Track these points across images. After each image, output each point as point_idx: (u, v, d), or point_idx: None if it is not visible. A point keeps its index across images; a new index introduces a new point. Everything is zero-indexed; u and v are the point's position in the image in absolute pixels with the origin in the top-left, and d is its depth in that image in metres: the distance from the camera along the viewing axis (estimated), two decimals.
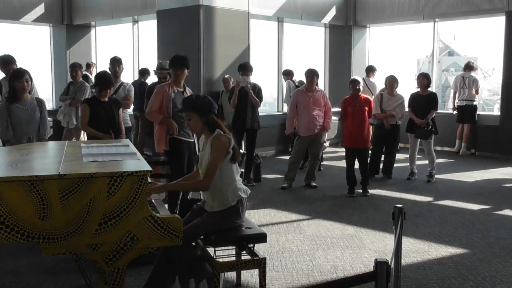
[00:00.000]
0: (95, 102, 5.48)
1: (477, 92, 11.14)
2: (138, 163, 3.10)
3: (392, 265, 2.94)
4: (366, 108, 7.43)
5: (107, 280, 2.88)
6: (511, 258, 4.93)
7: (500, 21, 11.25)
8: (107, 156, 3.30)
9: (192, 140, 5.76)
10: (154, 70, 7.72)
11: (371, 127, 8.16)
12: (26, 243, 2.71)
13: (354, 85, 7.45)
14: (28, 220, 2.67)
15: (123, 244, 2.84)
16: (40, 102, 5.41)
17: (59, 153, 3.51)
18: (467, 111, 11.02)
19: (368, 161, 7.76)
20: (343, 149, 12.28)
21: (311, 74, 7.87)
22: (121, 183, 2.78)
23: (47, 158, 3.45)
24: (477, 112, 11.42)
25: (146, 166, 2.96)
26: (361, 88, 7.53)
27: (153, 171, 2.93)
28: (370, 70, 11.34)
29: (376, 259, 2.68)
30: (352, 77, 7.67)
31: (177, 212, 4.37)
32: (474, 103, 11.07)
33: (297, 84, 10.75)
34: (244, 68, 8.27)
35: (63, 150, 3.61)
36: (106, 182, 2.76)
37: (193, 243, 3.82)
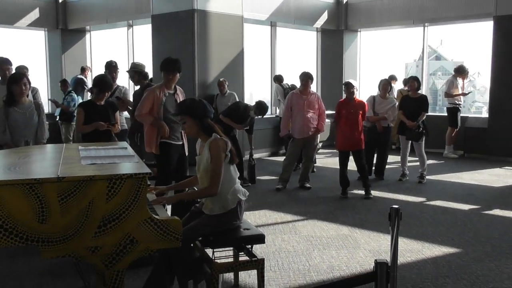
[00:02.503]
0: (90, 106, 5.40)
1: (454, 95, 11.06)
2: (136, 166, 3.04)
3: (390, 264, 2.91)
4: (360, 111, 7.39)
5: (106, 282, 2.82)
6: (503, 257, 4.91)
7: (487, 26, 11.28)
8: (105, 159, 3.24)
9: (181, 143, 5.72)
10: (126, 71, 7.54)
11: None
12: (25, 246, 2.64)
13: (348, 88, 7.41)
14: (27, 223, 2.61)
15: (122, 247, 2.78)
16: (38, 106, 5.34)
17: (57, 156, 3.45)
18: (449, 114, 11.06)
19: (365, 162, 7.69)
20: (335, 150, 12.33)
21: (306, 78, 7.84)
22: (120, 185, 2.72)
23: (45, 161, 3.38)
24: (465, 115, 11.45)
25: (145, 169, 2.90)
26: (355, 91, 7.48)
27: None
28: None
29: (376, 260, 2.65)
30: (346, 80, 7.61)
31: (175, 212, 4.30)
32: (456, 105, 11.00)
33: (288, 87, 10.72)
34: (262, 109, 7.97)
35: (61, 153, 3.54)
36: (105, 184, 2.70)
37: (192, 245, 3.76)
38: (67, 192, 2.65)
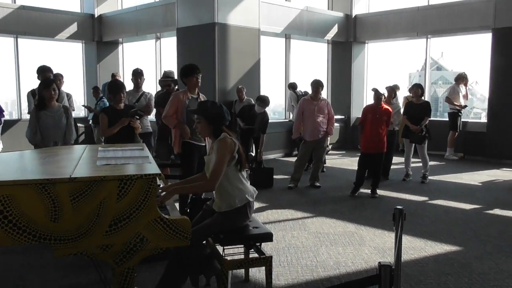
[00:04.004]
0: (111, 111, 5.25)
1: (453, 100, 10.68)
2: (148, 166, 2.84)
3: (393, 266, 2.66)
4: (385, 118, 7.08)
5: (117, 279, 2.62)
6: (502, 256, 4.62)
7: (485, 37, 10.99)
8: (120, 159, 3.05)
9: (204, 144, 5.52)
10: (159, 80, 7.44)
11: None
12: (38, 244, 2.46)
13: (376, 94, 7.11)
14: (40, 222, 2.42)
15: (133, 245, 2.58)
16: (67, 110, 5.20)
17: (77, 156, 3.27)
18: (450, 118, 10.72)
19: (381, 166, 7.38)
20: (344, 152, 12.10)
21: (317, 85, 7.67)
22: (130, 186, 2.52)
23: (64, 161, 3.20)
24: (465, 120, 11.11)
25: (155, 169, 2.69)
26: (383, 98, 7.17)
27: (161, 172, 2.66)
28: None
29: (380, 263, 2.40)
30: (374, 87, 7.29)
31: (188, 210, 4.09)
32: (456, 111, 10.63)
33: (301, 94, 10.54)
34: (263, 101, 8.04)
35: (81, 154, 3.36)
36: (116, 185, 2.50)
37: (204, 242, 3.55)
38: (79, 192, 2.46)
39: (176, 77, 7.40)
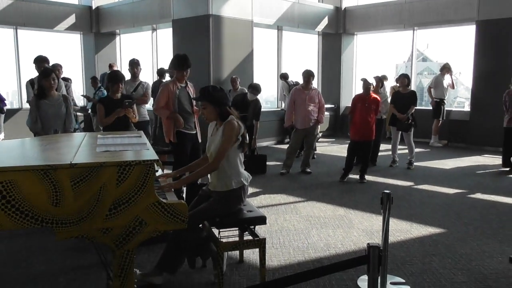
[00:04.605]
0: (108, 101, 5.21)
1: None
2: (146, 153, 2.81)
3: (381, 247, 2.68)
4: (373, 106, 7.09)
5: (117, 261, 2.61)
6: (484, 237, 4.67)
7: (469, 29, 11.00)
8: (118, 146, 3.02)
9: (195, 132, 5.52)
10: (167, 70, 7.27)
11: None
12: (41, 228, 2.44)
13: (365, 84, 7.11)
14: (42, 206, 2.40)
15: (132, 228, 2.56)
16: (66, 99, 5.14)
17: (77, 143, 3.24)
18: (434, 107, 10.77)
19: (370, 152, 7.40)
20: (334, 140, 12.12)
21: (308, 75, 7.65)
22: (129, 171, 2.50)
23: (65, 148, 3.17)
24: (449, 108, 11.16)
25: (153, 156, 2.67)
26: (371, 88, 7.16)
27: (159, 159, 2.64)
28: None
29: (368, 244, 2.41)
30: (363, 77, 7.28)
31: (184, 195, 4.08)
32: (439, 100, 10.66)
33: (293, 83, 10.51)
34: (255, 88, 7.97)
35: (81, 141, 3.34)
36: (115, 170, 2.48)
37: (200, 225, 3.55)
38: (79, 177, 2.44)
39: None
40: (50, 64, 6.88)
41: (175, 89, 5.27)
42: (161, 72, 10.22)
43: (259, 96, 8.03)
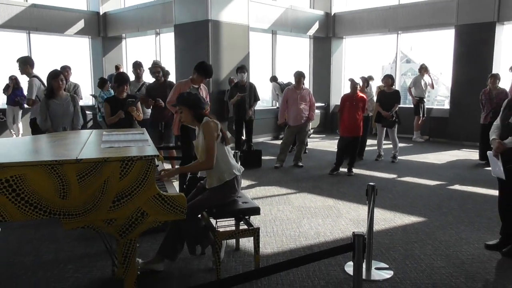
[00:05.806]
0: (113, 101, 5.19)
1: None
2: (147, 149, 2.78)
3: (366, 235, 2.67)
4: (360, 105, 7.08)
5: (120, 249, 2.59)
6: (461, 225, 4.67)
7: (448, 33, 10.98)
8: (122, 142, 2.99)
9: None
10: (148, 68, 6.98)
11: None
12: (49, 219, 2.42)
13: (353, 85, 7.08)
14: (50, 199, 2.37)
15: (134, 219, 2.54)
16: (74, 98, 5.09)
17: (84, 140, 3.21)
18: (414, 105, 10.74)
19: (358, 147, 7.40)
20: (324, 136, 12.10)
21: (299, 76, 7.63)
22: (131, 166, 2.47)
23: (72, 145, 3.13)
24: (430, 106, 11.16)
25: (154, 151, 2.65)
26: (358, 87, 7.14)
27: (169, 154, 2.61)
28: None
29: (353, 232, 2.40)
30: (350, 78, 7.27)
31: (185, 187, 4.06)
32: (418, 98, 10.64)
33: (285, 84, 10.48)
34: (240, 68, 8.14)
35: (88, 138, 3.31)
36: (118, 165, 2.45)
37: (199, 216, 3.54)
38: (85, 172, 2.41)
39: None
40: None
41: (187, 88, 5.27)
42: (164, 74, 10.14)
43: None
